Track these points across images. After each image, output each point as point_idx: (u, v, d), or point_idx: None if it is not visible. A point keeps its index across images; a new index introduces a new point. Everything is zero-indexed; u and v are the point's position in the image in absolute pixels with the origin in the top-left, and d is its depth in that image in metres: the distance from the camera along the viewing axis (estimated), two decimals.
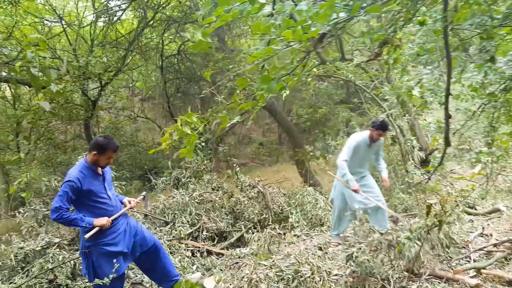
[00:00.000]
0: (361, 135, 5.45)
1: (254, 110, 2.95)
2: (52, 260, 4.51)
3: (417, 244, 3.80)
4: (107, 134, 3.75)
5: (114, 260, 3.50)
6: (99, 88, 12.02)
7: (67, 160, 11.98)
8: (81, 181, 3.51)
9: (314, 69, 7.02)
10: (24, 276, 4.39)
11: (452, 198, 4.13)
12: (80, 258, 4.36)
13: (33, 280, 4.17)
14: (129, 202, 4.00)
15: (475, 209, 6.39)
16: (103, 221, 3.55)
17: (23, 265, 4.63)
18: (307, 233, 6.37)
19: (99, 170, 3.74)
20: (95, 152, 3.63)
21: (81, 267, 4.52)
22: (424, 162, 9.08)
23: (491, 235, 5.27)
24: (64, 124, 13.85)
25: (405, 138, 8.96)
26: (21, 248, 4.70)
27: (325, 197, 7.39)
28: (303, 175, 10.24)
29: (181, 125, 2.83)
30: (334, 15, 2.02)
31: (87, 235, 3.48)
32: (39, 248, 4.68)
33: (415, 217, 6.69)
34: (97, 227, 3.53)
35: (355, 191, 5.21)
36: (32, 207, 5.19)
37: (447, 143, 2.85)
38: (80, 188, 3.49)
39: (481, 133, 6.87)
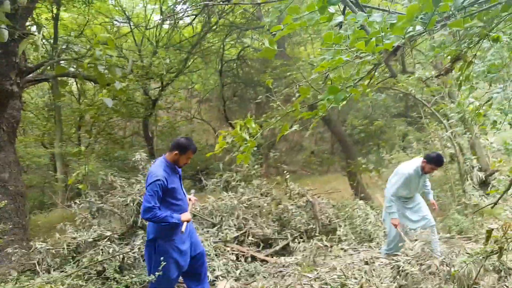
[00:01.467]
0: (412, 166, 5.23)
1: (313, 119, 2.91)
2: (102, 252, 4.66)
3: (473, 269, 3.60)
4: (186, 135, 3.96)
5: (177, 258, 3.68)
6: (160, 88, 12.43)
7: (124, 155, 12.46)
8: (167, 179, 3.70)
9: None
10: (75, 265, 4.56)
11: None
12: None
13: (82, 270, 4.33)
14: (189, 200, 4.17)
15: None
16: (188, 216, 3.76)
17: (74, 254, 4.84)
18: (355, 248, 6.21)
19: (176, 168, 3.94)
20: (176, 152, 3.82)
21: (129, 262, 4.67)
22: (483, 184, 8.63)
23: None
24: (124, 120, 14.44)
25: (464, 157, 8.56)
26: (74, 238, 4.92)
27: (376, 212, 7.19)
28: (354, 187, 9.99)
29: (240, 129, 2.84)
30: (410, 28, 1.94)
31: (183, 228, 3.70)
32: (91, 239, 4.86)
33: (470, 240, 6.37)
34: (184, 222, 3.75)
35: (394, 225, 5.15)
36: (87, 199, 5.41)
37: None
38: (166, 186, 3.68)
39: None
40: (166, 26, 13.45)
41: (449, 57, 3.36)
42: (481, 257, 3.43)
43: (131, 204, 5.16)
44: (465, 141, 9.20)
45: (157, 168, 3.76)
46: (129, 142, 14.61)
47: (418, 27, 1.92)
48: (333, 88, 2.01)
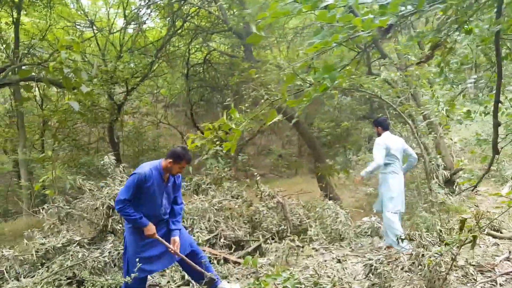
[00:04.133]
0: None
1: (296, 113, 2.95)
2: (72, 258, 4.56)
3: (443, 261, 3.71)
4: (182, 145, 3.94)
5: (140, 264, 3.61)
6: (125, 93, 12.22)
7: (90, 161, 12.15)
8: (147, 177, 3.71)
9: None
10: (44, 272, 4.44)
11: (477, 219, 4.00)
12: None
13: (52, 276, 4.21)
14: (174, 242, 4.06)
15: (501, 232, 6.18)
16: (151, 231, 3.72)
17: (43, 261, 4.71)
18: (326, 247, 6.28)
19: (166, 177, 3.93)
20: (170, 160, 3.82)
21: (99, 266, 4.58)
22: (448, 182, 8.90)
23: None
24: (89, 126, 14.09)
25: (430, 156, 8.80)
26: (43, 244, 4.80)
27: (346, 212, 7.28)
28: (323, 188, 10.12)
29: (227, 118, 2.86)
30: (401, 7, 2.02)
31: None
32: (60, 245, 4.75)
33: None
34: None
35: None
36: (56, 205, 5.26)
37: (496, 151, 2.77)
38: (144, 183, 3.69)
39: None
40: (130, 31, 13.28)
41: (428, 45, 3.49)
42: (454, 247, 3.53)
43: (101, 208, 5.05)
44: (430, 141, 9.51)
45: (146, 164, 3.83)
46: (95, 148, 14.27)
47: (410, 7, 2.00)
48: (328, 67, 2.02)
